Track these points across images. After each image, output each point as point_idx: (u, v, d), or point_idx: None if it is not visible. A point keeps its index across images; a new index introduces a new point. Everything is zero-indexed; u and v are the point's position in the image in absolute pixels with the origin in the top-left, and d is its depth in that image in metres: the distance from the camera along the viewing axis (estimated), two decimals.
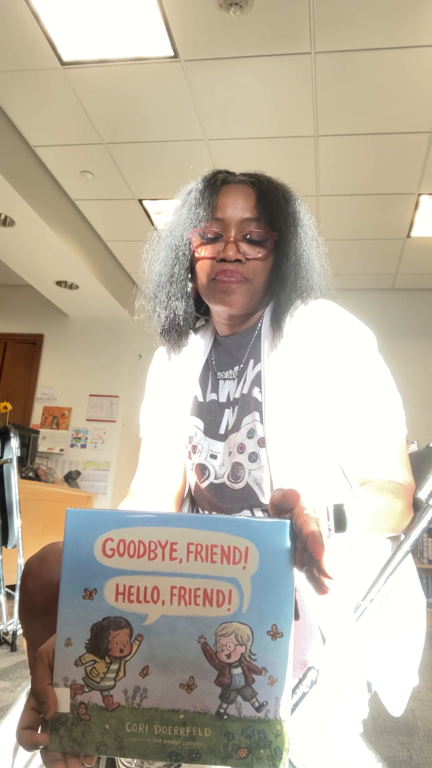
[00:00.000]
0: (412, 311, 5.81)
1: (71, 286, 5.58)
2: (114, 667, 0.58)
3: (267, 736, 0.56)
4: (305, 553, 0.58)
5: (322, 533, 0.58)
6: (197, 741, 0.57)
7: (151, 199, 4.77)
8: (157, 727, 0.57)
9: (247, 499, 0.96)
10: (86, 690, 0.58)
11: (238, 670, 0.57)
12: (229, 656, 0.57)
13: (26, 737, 0.58)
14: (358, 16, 3.00)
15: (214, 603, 0.58)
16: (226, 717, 0.57)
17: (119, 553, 0.58)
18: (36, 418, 6.16)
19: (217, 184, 1.03)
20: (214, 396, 1.06)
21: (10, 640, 2.86)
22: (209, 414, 1.05)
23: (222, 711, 0.57)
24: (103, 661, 0.58)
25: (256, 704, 0.57)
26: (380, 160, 4.08)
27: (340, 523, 0.71)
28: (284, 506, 0.62)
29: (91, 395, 6.12)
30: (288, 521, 0.59)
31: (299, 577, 0.59)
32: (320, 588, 0.58)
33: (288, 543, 0.58)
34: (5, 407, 4.08)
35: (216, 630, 0.57)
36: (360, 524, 0.76)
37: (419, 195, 4.38)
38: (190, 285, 1.07)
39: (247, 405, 0.99)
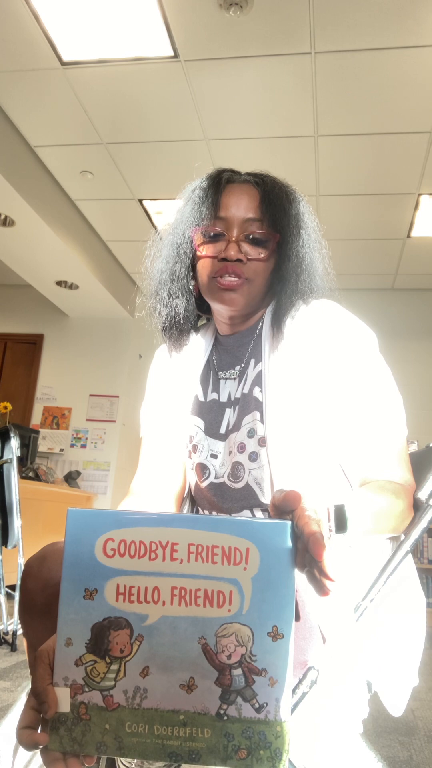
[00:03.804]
0: (412, 311, 5.81)
1: (71, 286, 5.58)
2: (114, 667, 0.58)
3: (267, 737, 0.56)
4: (306, 554, 0.58)
5: (324, 534, 0.58)
6: (197, 742, 0.57)
7: (151, 199, 4.77)
8: (157, 727, 0.57)
9: (247, 498, 0.96)
10: (86, 690, 0.58)
11: (238, 671, 0.57)
12: (229, 657, 0.57)
13: (26, 737, 0.58)
14: (358, 16, 3.00)
15: (214, 604, 0.58)
16: (226, 718, 0.57)
17: (120, 553, 0.58)
18: (36, 418, 6.16)
19: (221, 182, 1.03)
20: (215, 395, 1.06)
21: (10, 640, 2.86)
22: (210, 413, 1.05)
23: (222, 712, 0.57)
24: (104, 661, 0.58)
25: (256, 705, 0.57)
26: (380, 160, 4.07)
27: (340, 524, 0.71)
28: (286, 507, 0.62)
29: (91, 395, 6.12)
30: (289, 522, 0.59)
31: (299, 577, 0.59)
32: (321, 590, 0.58)
33: (289, 544, 0.58)
34: (5, 407, 4.07)
35: (216, 631, 0.57)
36: (360, 525, 0.76)
37: (419, 195, 4.38)
38: (192, 283, 1.07)
39: (247, 404, 0.99)
